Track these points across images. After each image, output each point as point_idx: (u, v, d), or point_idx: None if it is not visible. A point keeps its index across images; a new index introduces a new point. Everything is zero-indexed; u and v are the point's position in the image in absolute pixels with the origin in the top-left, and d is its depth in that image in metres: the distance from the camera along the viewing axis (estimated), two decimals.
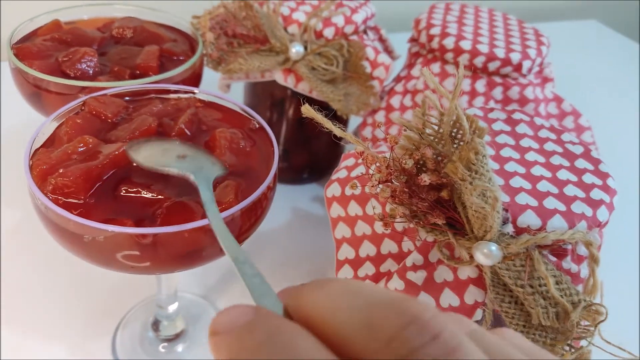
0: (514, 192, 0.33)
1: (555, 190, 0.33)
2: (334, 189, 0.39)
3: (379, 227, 0.37)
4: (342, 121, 0.59)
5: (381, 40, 0.57)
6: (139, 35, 0.44)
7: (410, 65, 0.53)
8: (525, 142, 0.37)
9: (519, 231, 0.31)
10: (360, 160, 0.40)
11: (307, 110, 0.34)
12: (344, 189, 0.39)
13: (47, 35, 0.43)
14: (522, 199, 0.32)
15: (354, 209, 0.38)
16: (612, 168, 0.37)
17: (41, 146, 0.33)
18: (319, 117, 0.34)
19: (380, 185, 0.32)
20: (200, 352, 0.44)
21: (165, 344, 0.44)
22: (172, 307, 0.43)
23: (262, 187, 0.31)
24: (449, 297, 0.34)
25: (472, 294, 0.33)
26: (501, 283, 0.32)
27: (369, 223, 0.38)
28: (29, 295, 0.47)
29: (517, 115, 0.40)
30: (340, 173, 0.40)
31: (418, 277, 0.35)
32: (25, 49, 0.41)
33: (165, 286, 0.41)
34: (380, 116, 0.54)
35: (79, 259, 0.50)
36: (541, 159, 0.36)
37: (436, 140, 0.30)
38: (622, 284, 0.56)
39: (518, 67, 0.49)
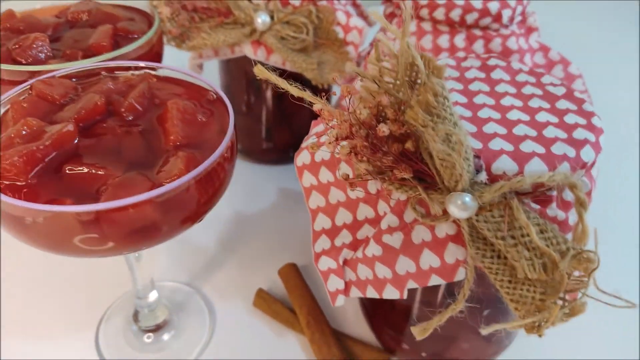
0: (487, 139, 0.30)
1: (533, 133, 0.31)
2: (303, 157, 0.37)
3: (352, 192, 0.35)
4: (322, 92, 0.57)
5: (355, 5, 0.54)
6: (94, 18, 0.43)
7: (385, 29, 0.51)
8: (501, 88, 0.35)
9: (494, 179, 0.29)
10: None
11: (259, 71, 0.32)
12: (313, 157, 0.37)
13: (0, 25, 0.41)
14: (496, 144, 0.30)
15: (325, 175, 0.36)
16: (610, 126, 0.34)
17: None
18: (273, 78, 0.32)
19: (343, 143, 0.29)
20: (187, 340, 0.42)
21: (150, 334, 0.42)
22: (152, 296, 0.42)
23: (214, 156, 0.30)
24: (428, 258, 0.31)
25: (453, 252, 0.31)
26: (481, 237, 0.29)
27: (341, 189, 0.36)
28: (6, 295, 0.46)
29: (492, 62, 0.37)
30: (309, 140, 0.38)
31: (395, 239, 0.33)
32: None
33: (139, 276, 0.40)
34: (357, 85, 0.51)
35: (54, 256, 0.49)
36: (518, 103, 0.33)
37: (395, 88, 0.28)
38: (621, 232, 0.53)
39: (498, 17, 0.46)
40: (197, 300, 0.45)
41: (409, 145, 0.28)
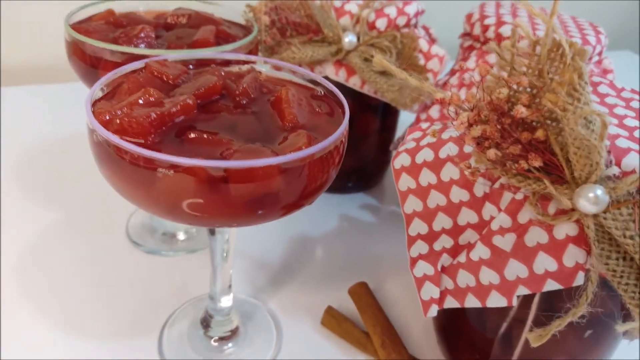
0: (612, 138, 0.30)
1: None
2: (402, 160, 0.37)
3: (455, 195, 0.34)
4: (392, 117, 0.58)
5: (431, 39, 0.56)
6: (194, 21, 0.44)
7: (464, 59, 0.52)
8: (610, 100, 0.35)
9: (625, 175, 0.28)
10: (427, 130, 0.37)
11: (378, 60, 0.32)
12: (413, 158, 0.36)
13: (102, 20, 0.43)
14: (623, 143, 0.29)
15: (426, 177, 0.35)
16: None
17: (101, 98, 0.31)
18: (392, 68, 0.32)
19: (477, 126, 0.29)
20: (254, 352, 0.40)
21: (217, 342, 0.40)
22: (227, 301, 0.40)
23: (336, 135, 0.29)
24: (544, 262, 0.30)
25: (572, 255, 0.29)
26: (606, 237, 0.28)
27: (443, 192, 0.35)
28: (73, 293, 0.44)
29: (596, 79, 0.37)
30: (407, 144, 0.37)
31: (506, 241, 0.31)
32: (81, 28, 0.40)
33: (220, 276, 0.38)
34: (434, 111, 0.52)
35: (124, 257, 0.48)
36: (631, 113, 0.33)
37: (531, 72, 0.28)
38: None
39: None
40: (263, 314, 0.43)
41: (539, 134, 0.28)
